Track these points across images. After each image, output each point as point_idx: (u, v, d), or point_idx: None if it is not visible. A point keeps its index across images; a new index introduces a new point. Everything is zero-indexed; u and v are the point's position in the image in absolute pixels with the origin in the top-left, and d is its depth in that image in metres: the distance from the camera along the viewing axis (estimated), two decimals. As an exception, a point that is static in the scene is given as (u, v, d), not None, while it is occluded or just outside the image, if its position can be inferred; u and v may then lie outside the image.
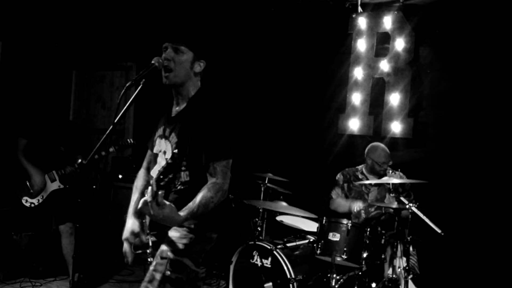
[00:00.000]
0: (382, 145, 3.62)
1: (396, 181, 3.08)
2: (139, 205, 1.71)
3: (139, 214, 2.03)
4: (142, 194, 2.13)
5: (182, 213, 1.79)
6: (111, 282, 3.91)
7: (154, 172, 2.07)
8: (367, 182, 3.50)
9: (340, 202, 3.60)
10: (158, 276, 1.89)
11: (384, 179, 3.23)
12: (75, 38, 5.39)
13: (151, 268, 1.92)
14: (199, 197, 1.84)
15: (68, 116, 5.75)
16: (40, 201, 3.58)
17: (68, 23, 5.24)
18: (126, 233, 2.03)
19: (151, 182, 2.04)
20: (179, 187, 1.97)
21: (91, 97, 5.74)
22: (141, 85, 1.93)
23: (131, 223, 2.05)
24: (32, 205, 3.57)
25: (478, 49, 3.81)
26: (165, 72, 1.97)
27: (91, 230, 4.21)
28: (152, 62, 1.97)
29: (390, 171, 3.49)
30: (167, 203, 1.71)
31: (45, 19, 5.07)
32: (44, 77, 5.20)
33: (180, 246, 1.94)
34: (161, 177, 1.66)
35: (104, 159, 3.74)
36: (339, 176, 3.70)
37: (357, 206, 3.43)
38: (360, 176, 3.62)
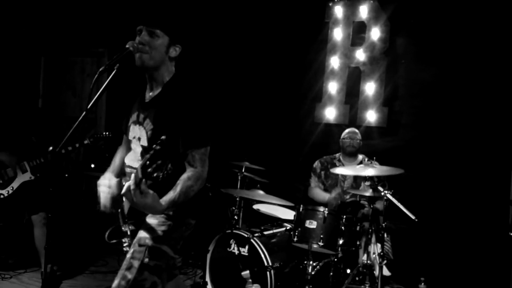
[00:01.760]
0: (355, 129, 3.75)
1: (371, 173, 3.10)
2: (123, 191, 1.68)
3: (116, 204, 1.98)
4: (120, 167, 2.13)
5: (164, 202, 1.76)
6: (84, 273, 3.82)
7: (129, 159, 2.02)
8: (344, 172, 3.52)
9: (317, 192, 3.66)
10: (136, 263, 1.85)
11: (360, 170, 3.27)
12: (43, 22, 5.17)
13: (129, 255, 1.88)
14: (179, 186, 1.81)
15: (37, 104, 5.54)
16: (10, 193, 3.44)
17: (36, 7, 5.02)
18: (100, 187, 1.99)
19: (128, 169, 2.00)
20: (162, 176, 1.93)
21: (61, 85, 5.54)
22: (115, 70, 1.85)
23: (106, 179, 2.00)
24: (1, 196, 3.43)
25: (452, 39, 3.89)
26: (140, 53, 1.90)
27: (63, 220, 4.10)
28: (127, 46, 1.89)
29: (366, 160, 3.53)
30: (150, 191, 1.68)
31: (11, 3, 4.84)
32: (11, 63, 4.98)
33: (159, 233, 1.91)
34: (148, 163, 1.61)
35: (77, 150, 3.62)
36: (316, 164, 3.74)
37: (333, 197, 3.46)
38: (337, 164, 3.66)
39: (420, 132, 4.01)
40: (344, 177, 3.61)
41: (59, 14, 5.14)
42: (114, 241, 1.97)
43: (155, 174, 1.61)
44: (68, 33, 5.27)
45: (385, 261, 2.98)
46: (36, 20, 5.11)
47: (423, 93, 4.02)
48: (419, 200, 3.54)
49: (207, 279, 3.32)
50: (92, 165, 4.73)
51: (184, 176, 1.85)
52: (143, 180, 1.63)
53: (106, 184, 1.98)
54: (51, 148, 1.77)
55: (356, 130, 3.73)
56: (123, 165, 2.08)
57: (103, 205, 1.96)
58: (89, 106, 1.79)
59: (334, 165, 3.66)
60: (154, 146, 1.62)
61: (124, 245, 1.96)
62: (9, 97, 4.77)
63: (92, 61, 5.39)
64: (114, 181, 2.00)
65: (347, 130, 3.72)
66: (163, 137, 1.63)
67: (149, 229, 1.91)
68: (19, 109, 3.63)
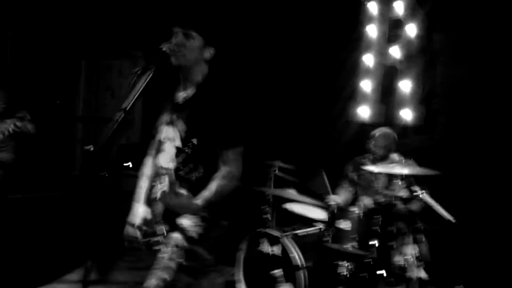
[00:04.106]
0: (387, 130, 3.52)
1: (404, 172, 3.00)
2: (158, 196, 1.71)
3: (150, 202, 2.02)
4: (151, 183, 2.13)
5: (198, 201, 1.80)
6: (122, 270, 3.92)
7: (163, 160, 2.05)
8: (375, 170, 3.44)
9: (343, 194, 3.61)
10: (172, 264, 1.90)
11: (395, 169, 3.18)
12: (84, 27, 5.37)
13: (165, 255, 1.92)
14: (214, 185, 1.84)
15: (78, 106, 5.76)
16: None
17: (76, 12, 5.23)
18: (136, 219, 2.03)
19: (164, 171, 2.04)
20: (196, 177, 1.96)
21: (100, 87, 5.75)
22: (151, 72, 1.91)
23: (142, 210, 2.04)
24: None
25: (492, 35, 3.73)
26: (176, 54, 1.94)
27: (101, 218, 4.22)
28: (162, 47, 1.94)
29: (403, 160, 3.44)
30: (184, 192, 1.72)
31: (54, 8, 5.06)
32: (53, 66, 5.20)
33: (193, 234, 1.94)
34: (181, 166, 1.64)
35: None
36: (346, 167, 3.67)
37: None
38: (368, 164, 3.57)
39: (458, 131, 3.87)
40: (377, 177, 3.51)
41: (98, 19, 5.32)
42: (146, 240, 2.01)
43: (187, 176, 1.64)
44: (107, 37, 5.45)
45: (421, 263, 2.89)
46: (76, 25, 5.32)
47: (461, 91, 3.88)
48: (457, 200, 3.41)
49: (240, 277, 3.34)
50: (129, 164, 4.86)
51: (218, 175, 1.87)
52: (177, 182, 1.65)
53: (141, 216, 2.00)
54: (91, 147, 1.83)
55: (385, 135, 3.47)
56: (156, 168, 2.11)
57: (130, 235, 2.01)
58: (128, 108, 1.82)
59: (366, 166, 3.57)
60: (185, 149, 1.65)
61: (157, 245, 2.00)
62: (51, 99, 4.97)
63: (129, 63, 5.55)
64: (148, 213, 2.00)
65: (376, 135, 3.49)
66: (194, 140, 1.65)
67: (184, 230, 1.94)
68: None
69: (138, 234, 2.02)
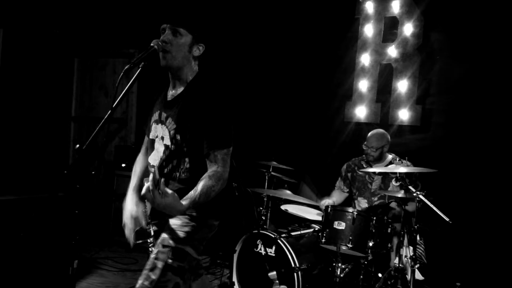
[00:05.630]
0: (379, 130, 3.47)
1: (402, 170, 2.99)
2: (142, 192, 1.67)
3: (141, 199, 1.99)
4: (141, 179, 2.11)
5: (184, 202, 1.75)
6: (114, 271, 3.88)
7: (152, 159, 2.02)
8: (370, 170, 3.42)
9: (334, 195, 3.61)
10: (160, 264, 1.85)
11: (390, 168, 3.15)
12: (76, 24, 5.31)
13: (153, 256, 1.89)
14: (200, 186, 1.79)
15: (71, 105, 5.69)
16: None
17: (69, 9, 5.17)
18: (125, 219, 2.00)
19: (153, 169, 2.00)
20: (182, 175, 1.92)
21: (93, 85, 5.68)
22: (140, 68, 1.86)
23: (129, 208, 2.01)
24: None
25: (488, 34, 3.70)
26: (163, 53, 1.90)
27: (94, 218, 4.17)
28: (151, 44, 1.90)
29: (397, 159, 3.41)
30: (170, 191, 1.67)
31: (46, 6, 5.00)
32: (46, 65, 5.14)
33: (182, 234, 1.90)
34: (164, 164, 1.60)
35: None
36: (343, 167, 3.64)
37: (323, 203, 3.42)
38: (364, 165, 3.54)
39: (455, 130, 3.84)
40: (372, 178, 3.48)
41: (91, 16, 5.27)
42: (140, 241, 1.98)
43: (172, 174, 1.59)
44: (100, 35, 5.40)
45: (417, 265, 2.86)
46: (69, 22, 5.26)
47: (458, 90, 3.84)
48: (453, 200, 3.38)
49: (234, 279, 3.30)
50: (123, 165, 4.81)
51: (205, 176, 1.83)
52: (161, 180, 1.61)
53: (131, 215, 1.98)
54: (77, 146, 1.79)
55: (378, 136, 3.40)
56: (147, 166, 2.08)
57: (127, 236, 1.99)
58: (114, 105, 1.80)
59: (362, 167, 3.54)
60: (169, 146, 1.61)
61: (150, 245, 1.97)
62: (44, 98, 4.91)
63: (124, 61, 5.48)
64: (139, 210, 1.99)
65: (368, 135, 3.44)
66: (177, 136, 1.61)
67: (172, 230, 1.90)
68: None
69: (128, 233, 1.98)
